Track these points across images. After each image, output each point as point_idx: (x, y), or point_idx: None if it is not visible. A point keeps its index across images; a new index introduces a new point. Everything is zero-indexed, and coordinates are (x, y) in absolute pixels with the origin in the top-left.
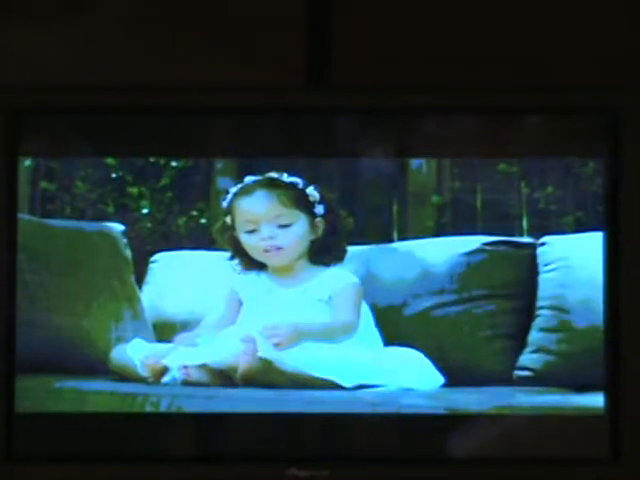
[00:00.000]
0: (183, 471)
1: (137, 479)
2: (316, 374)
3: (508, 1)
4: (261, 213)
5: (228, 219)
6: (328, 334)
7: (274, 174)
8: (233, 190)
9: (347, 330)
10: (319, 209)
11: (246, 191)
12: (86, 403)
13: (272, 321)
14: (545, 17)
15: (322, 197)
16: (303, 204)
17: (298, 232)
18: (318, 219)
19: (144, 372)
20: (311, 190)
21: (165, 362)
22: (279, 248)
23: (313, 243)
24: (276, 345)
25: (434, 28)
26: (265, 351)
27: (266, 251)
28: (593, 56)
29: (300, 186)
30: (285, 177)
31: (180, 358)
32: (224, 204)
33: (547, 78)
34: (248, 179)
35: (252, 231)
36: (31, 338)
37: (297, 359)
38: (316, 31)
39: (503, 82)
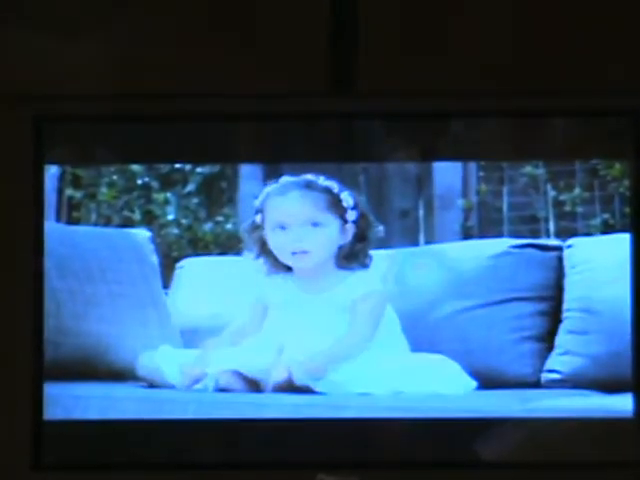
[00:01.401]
0: (212, 478)
1: None
2: (352, 390)
3: (531, 6)
4: (293, 213)
5: (258, 218)
6: (346, 353)
7: (311, 177)
8: (267, 189)
9: (362, 345)
10: (351, 215)
11: (281, 191)
12: (114, 410)
13: (299, 331)
14: (569, 21)
15: (355, 203)
16: (336, 209)
17: (327, 236)
18: (348, 224)
19: (181, 379)
20: (345, 195)
21: (207, 369)
22: (305, 252)
23: (341, 248)
24: (311, 374)
25: (458, 33)
26: (301, 380)
27: (293, 253)
28: (618, 58)
29: (335, 190)
30: (321, 180)
31: (218, 365)
32: (256, 202)
33: (572, 81)
34: (284, 179)
35: (282, 230)
36: (59, 345)
37: (332, 381)
38: (340, 36)
39: (529, 86)
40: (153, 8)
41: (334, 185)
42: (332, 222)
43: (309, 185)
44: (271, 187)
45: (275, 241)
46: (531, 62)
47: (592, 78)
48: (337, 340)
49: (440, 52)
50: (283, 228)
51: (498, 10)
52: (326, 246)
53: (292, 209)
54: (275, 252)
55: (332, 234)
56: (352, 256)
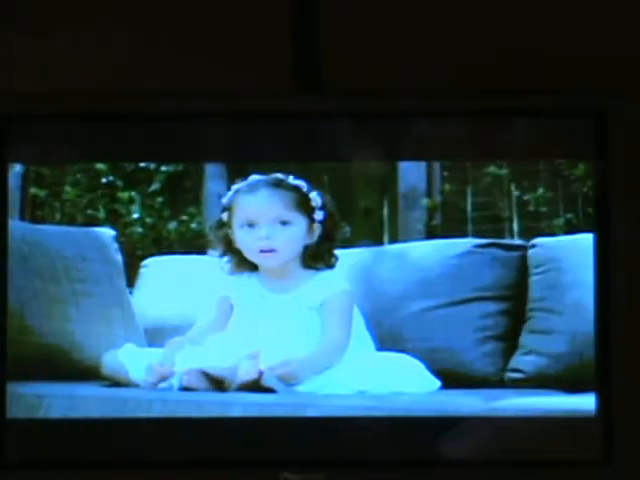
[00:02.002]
0: (175, 476)
1: None
2: (317, 389)
3: (497, 6)
4: (262, 211)
5: (225, 216)
6: (323, 361)
7: (280, 175)
8: (235, 187)
9: (340, 351)
10: (318, 214)
11: (250, 188)
12: (77, 409)
13: (266, 331)
14: (534, 20)
15: (323, 203)
16: (304, 208)
17: (295, 235)
18: (316, 224)
19: (148, 377)
20: (314, 195)
21: (175, 368)
22: (273, 250)
23: (307, 248)
24: (283, 379)
25: (423, 32)
26: (270, 381)
27: (261, 251)
28: (581, 58)
29: (304, 190)
30: (291, 179)
31: (183, 364)
32: (223, 200)
33: (536, 81)
34: (253, 177)
35: (250, 227)
36: (22, 344)
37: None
38: (306, 35)
39: (492, 85)
40: (120, 7)
41: (303, 184)
42: (300, 221)
43: (278, 184)
44: (239, 185)
45: (243, 239)
46: (496, 62)
47: (555, 78)
48: (316, 348)
49: (405, 52)
50: (251, 226)
51: (464, 10)
52: (293, 245)
53: (261, 207)
54: (242, 250)
55: (300, 233)
56: (318, 256)
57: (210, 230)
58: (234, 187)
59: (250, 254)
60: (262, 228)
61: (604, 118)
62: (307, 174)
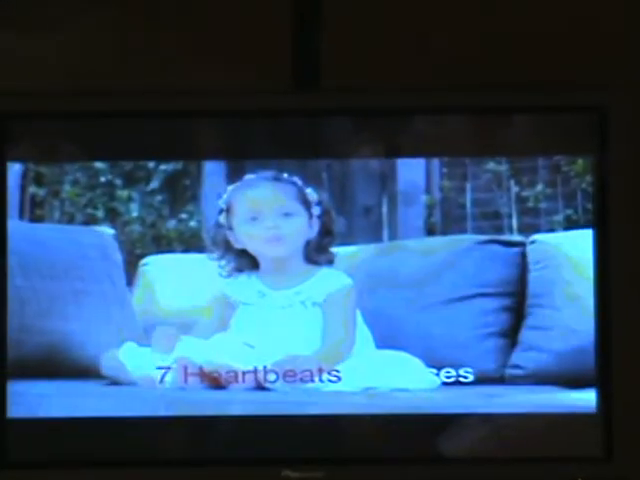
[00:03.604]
0: (176, 474)
1: None
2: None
3: (497, 1)
4: (266, 202)
5: (221, 217)
6: (330, 358)
7: (273, 172)
8: (230, 188)
9: (346, 348)
10: (316, 209)
11: (249, 184)
12: (78, 408)
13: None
14: (535, 17)
15: (319, 199)
16: (303, 201)
17: (299, 225)
18: (314, 219)
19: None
20: (309, 191)
21: (172, 365)
22: (280, 238)
23: (309, 242)
24: (286, 377)
25: (421, 29)
26: (270, 381)
27: (267, 241)
28: (581, 55)
29: (300, 184)
30: (286, 176)
31: (184, 362)
32: (220, 202)
33: (536, 77)
34: (248, 177)
35: (254, 220)
36: (22, 343)
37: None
38: (305, 33)
39: (491, 82)
40: (119, 5)
41: (298, 180)
42: (302, 213)
43: (277, 178)
44: (234, 185)
45: (247, 232)
46: (495, 58)
47: (555, 74)
48: (322, 345)
49: (404, 49)
50: (255, 219)
51: (463, 6)
52: (298, 236)
53: (265, 199)
54: (246, 244)
55: (303, 225)
56: (321, 249)
57: (207, 233)
58: (229, 188)
59: (255, 246)
60: (267, 219)
61: (603, 114)
62: (306, 171)
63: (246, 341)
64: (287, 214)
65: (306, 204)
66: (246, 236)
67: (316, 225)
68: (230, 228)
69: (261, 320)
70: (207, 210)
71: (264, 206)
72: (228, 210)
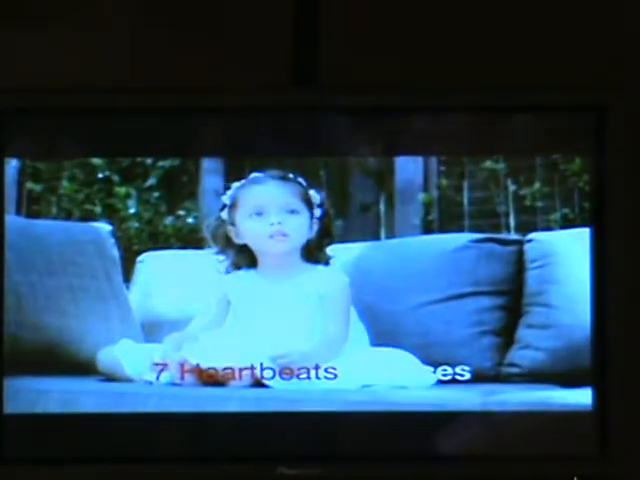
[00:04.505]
0: (172, 471)
1: (126, 479)
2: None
3: (494, 1)
4: (272, 199)
5: (224, 213)
6: (323, 355)
7: (280, 172)
8: (237, 185)
9: (339, 345)
10: (317, 211)
11: (256, 181)
12: (75, 404)
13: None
14: (532, 16)
15: (322, 201)
16: (307, 201)
17: (303, 223)
18: (315, 220)
19: (150, 375)
20: (313, 192)
21: (170, 362)
22: (284, 234)
23: (308, 241)
24: (283, 373)
25: (421, 28)
26: (267, 378)
27: (271, 237)
28: (579, 55)
29: (304, 185)
30: (291, 176)
31: (180, 359)
32: (225, 199)
33: (533, 77)
34: (255, 175)
35: (259, 215)
36: (19, 339)
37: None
38: (304, 30)
39: (490, 81)
40: (119, 2)
41: (303, 181)
42: (305, 212)
43: (283, 177)
44: (241, 182)
45: (251, 227)
46: (494, 58)
47: (553, 74)
48: (316, 342)
49: (403, 47)
50: (260, 214)
51: (462, 6)
52: (301, 233)
53: (271, 195)
54: (248, 240)
55: (306, 223)
56: (319, 249)
57: (207, 229)
58: (235, 185)
59: (258, 242)
60: (272, 215)
61: (601, 114)
62: (304, 169)
63: (242, 338)
64: (292, 211)
65: (309, 205)
66: (250, 231)
67: (316, 226)
68: (232, 224)
69: (258, 317)
70: (205, 207)
71: (270, 202)
72: (233, 206)
